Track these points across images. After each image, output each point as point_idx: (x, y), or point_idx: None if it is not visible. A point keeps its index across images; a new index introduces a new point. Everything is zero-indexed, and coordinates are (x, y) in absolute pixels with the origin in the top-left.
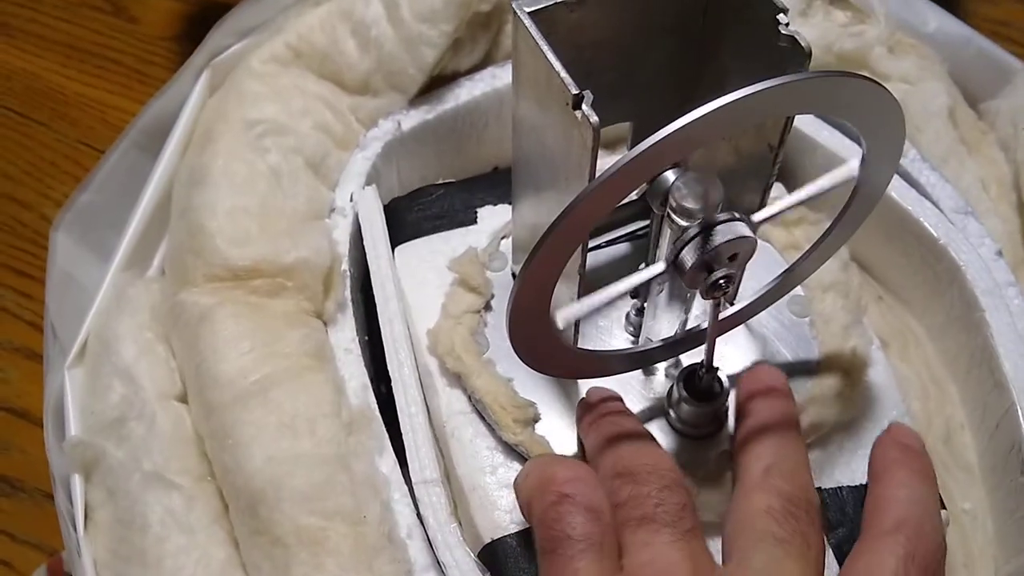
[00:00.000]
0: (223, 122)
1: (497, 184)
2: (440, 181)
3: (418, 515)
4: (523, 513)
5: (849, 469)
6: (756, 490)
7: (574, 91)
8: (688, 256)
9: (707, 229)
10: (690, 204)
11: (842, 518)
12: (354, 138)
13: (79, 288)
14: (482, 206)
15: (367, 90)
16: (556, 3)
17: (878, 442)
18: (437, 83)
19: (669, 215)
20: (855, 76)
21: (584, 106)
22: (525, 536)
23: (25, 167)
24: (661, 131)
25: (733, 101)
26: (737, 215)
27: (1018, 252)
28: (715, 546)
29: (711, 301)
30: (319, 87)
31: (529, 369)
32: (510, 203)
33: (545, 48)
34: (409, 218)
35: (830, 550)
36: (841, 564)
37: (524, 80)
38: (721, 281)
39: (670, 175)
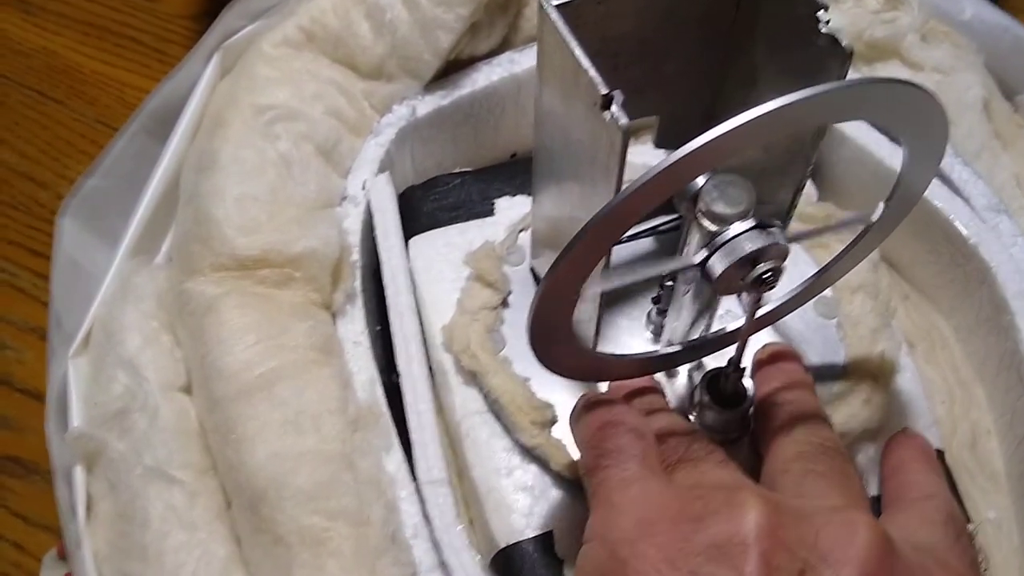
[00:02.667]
0: (233, 107)
1: (516, 174)
2: (457, 170)
3: (424, 515)
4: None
5: (876, 479)
6: (785, 444)
7: (603, 91)
8: (717, 264)
9: (737, 236)
10: (720, 209)
11: None
12: (367, 124)
13: (85, 275)
14: (500, 197)
15: (381, 75)
16: None
17: (893, 441)
18: (453, 68)
19: (697, 219)
20: (901, 82)
21: (614, 107)
22: (542, 541)
23: (42, 146)
24: (696, 140)
25: (773, 110)
26: (766, 223)
27: None
28: None
29: (750, 299)
30: (332, 71)
31: (546, 370)
32: (529, 194)
33: (574, 45)
34: (424, 208)
35: None
36: None
37: (549, 73)
38: (766, 276)
39: (700, 177)
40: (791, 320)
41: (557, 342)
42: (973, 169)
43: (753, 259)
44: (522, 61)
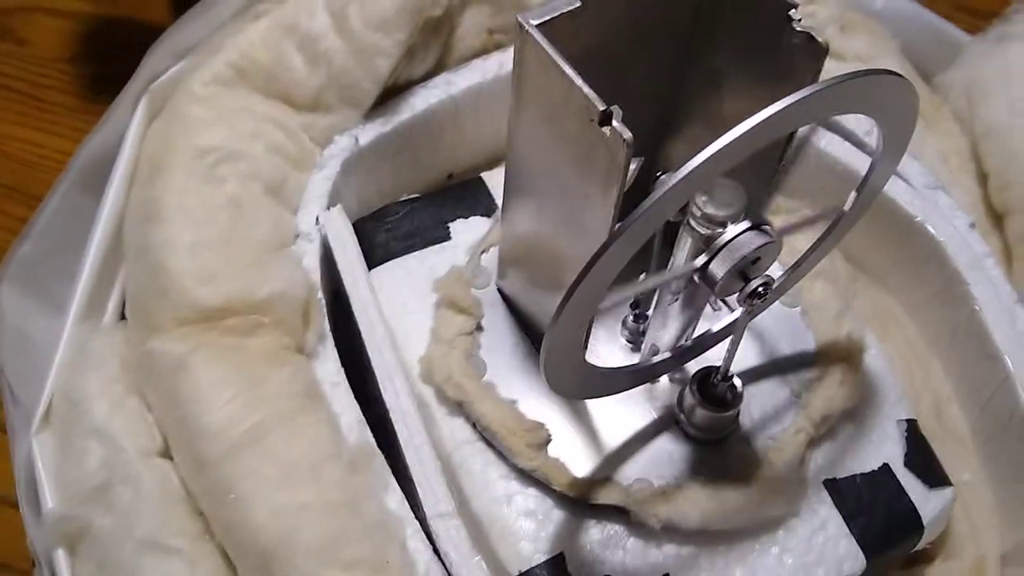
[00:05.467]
0: (170, 152)
1: (465, 196)
2: (404, 197)
3: (434, 550)
4: None
5: (859, 457)
6: None
7: (601, 107)
8: (718, 267)
9: (735, 237)
10: (714, 211)
11: (860, 507)
12: (310, 158)
13: (33, 345)
14: (453, 220)
15: (319, 107)
16: (561, 14)
17: None
18: (390, 93)
19: (690, 224)
20: (887, 73)
21: (615, 122)
22: (554, 564)
23: None
24: (697, 158)
25: (776, 112)
26: (760, 221)
27: (984, 222)
28: (736, 554)
29: (744, 307)
30: (267, 107)
31: (529, 388)
32: (483, 215)
33: (563, 64)
34: (378, 239)
35: (853, 539)
36: (865, 552)
37: (529, 92)
38: (760, 288)
39: None
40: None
41: (567, 367)
42: (907, 150)
43: (754, 259)
44: (458, 82)
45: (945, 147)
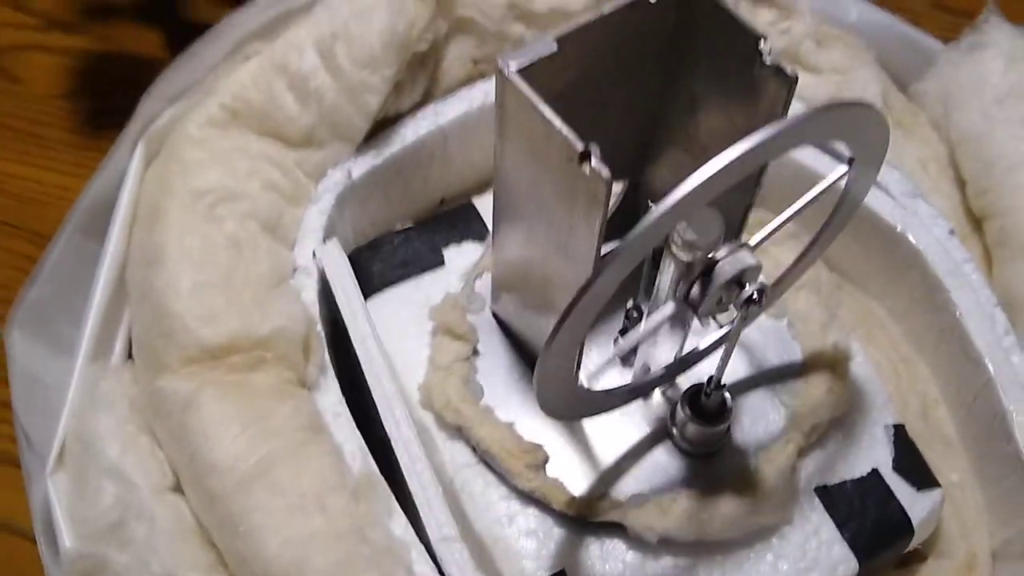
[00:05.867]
0: (169, 195)
1: (457, 222)
2: (398, 227)
3: (440, 573)
4: None
5: (848, 464)
6: None
7: (580, 147)
8: (699, 292)
9: (715, 263)
10: (693, 238)
11: (851, 512)
12: (304, 193)
13: (45, 388)
14: (446, 246)
15: (311, 143)
16: (541, 58)
17: None
18: (379, 126)
19: (672, 251)
20: (854, 104)
21: (593, 160)
22: None
23: None
24: (673, 195)
25: (747, 150)
26: (739, 243)
27: (964, 227)
28: (732, 563)
29: (738, 321)
30: (262, 145)
31: (526, 410)
32: (476, 240)
33: (542, 107)
34: (374, 269)
35: (845, 544)
36: (857, 556)
37: (512, 132)
38: (754, 295)
39: None
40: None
41: (564, 394)
42: (886, 161)
43: (737, 281)
44: (446, 112)
45: (924, 154)
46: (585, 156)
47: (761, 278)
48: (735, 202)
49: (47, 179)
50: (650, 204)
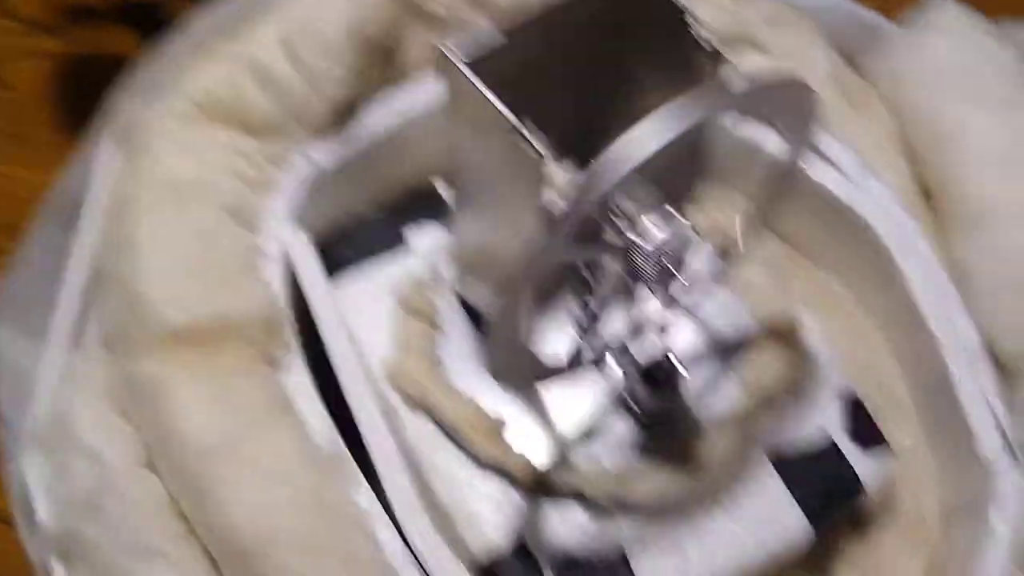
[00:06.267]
0: (138, 186)
1: (419, 203)
2: (361, 211)
3: (405, 543)
4: None
5: (801, 429)
6: None
7: (516, 122)
8: (639, 258)
9: (650, 231)
10: (631, 209)
11: (803, 475)
12: (270, 181)
13: (23, 374)
14: (409, 228)
15: (276, 133)
16: (483, 43)
17: None
18: (343, 113)
19: (611, 221)
20: (778, 80)
21: (527, 134)
22: (518, 548)
23: None
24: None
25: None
26: (676, 215)
27: (915, 198)
28: (688, 527)
29: (680, 289)
30: (228, 137)
31: (487, 385)
32: (438, 221)
33: (480, 85)
34: (338, 252)
35: (797, 506)
36: (809, 517)
37: (459, 112)
38: (695, 264)
39: None
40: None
41: (518, 362)
42: (836, 137)
43: (670, 247)
44: (405, 98)
45: (876, 131)
46: (524, 134)
47: (706, 249)
48: (680, 176)
49: (37, 179)
50: None
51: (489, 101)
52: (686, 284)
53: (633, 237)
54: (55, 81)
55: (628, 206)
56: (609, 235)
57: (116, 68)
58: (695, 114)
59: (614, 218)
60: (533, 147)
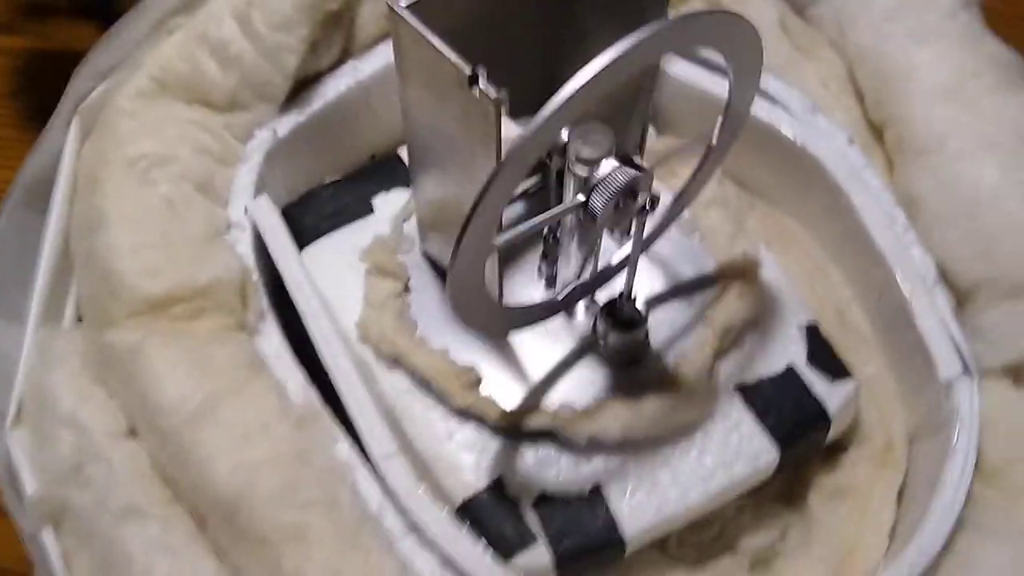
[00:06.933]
0: (105, 164)
1: (384, 171)
2: (327, 180)
3: (385, 491)
4: None
5: (765, 362)
6: None
7: (467, 71)
8: (597, 202)
9: (608, 174)
10: (588, 154)
11: (770, 405)
12: (234, 154)
13: (1, 355)
14: (374, 195)
15: (236, 106)
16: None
17: None
18: (302, 86)
19: (569, 167)
20: (711, 12)
21: (481, 82)
22: (494, 488)
23: None
24: (551, 103)
25: (613, 59)
26: (628, 156)
27: (866, 137)
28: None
29: (636, 228)
30: (190, 112)
31: (458, 339)
32: (403, 187)
33: (430, 36)
34: (305, 221)
35: (766, 435)
36: (780, 446)
37: (409, 68)
38: (645, 206)
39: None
40: (658, 244)
41: (477, 303)
42: (784, 81)
43: (628, 190)
44: (364, 68)
45: (824, 74)
46: (473, 79)
47: (653, 188)
48: (631, 119)
49: (1, 176)
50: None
51: (438, 51)
52: (645, 226)
53: (593, 179)
54: (16, 78)
55: (587, 151)
56: (570, 179)
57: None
58: (630, 42)
59: (571, 163)
60: (485, 91)
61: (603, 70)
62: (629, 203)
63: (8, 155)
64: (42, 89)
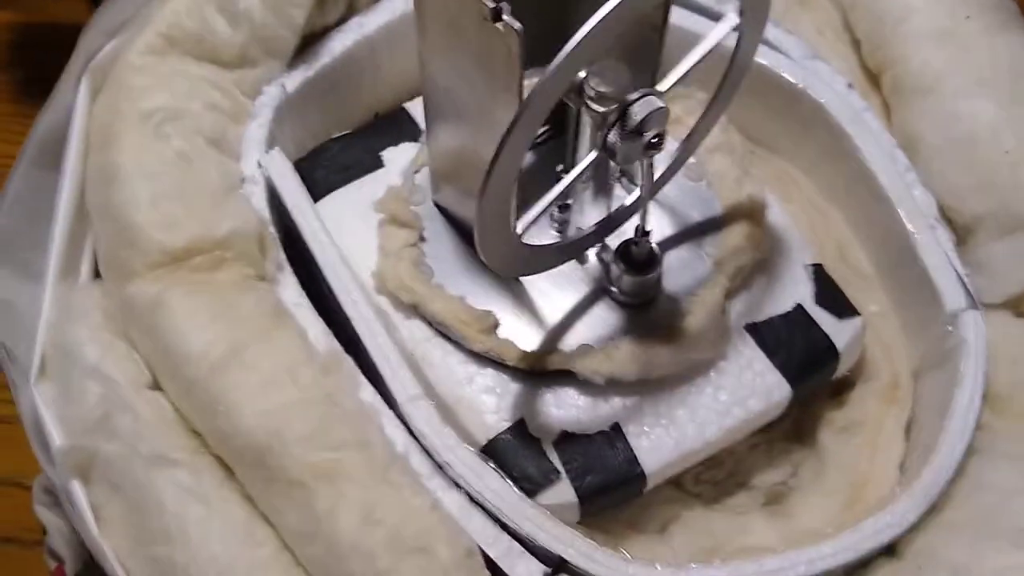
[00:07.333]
0: (118, 119)
1: (392, 127)
2: (336, 135)
3: (410, 432)
4: None
5: (774, 302)
6: None
7: (491, 4)
8: (615, 137)
9: (626, 109)
10: (606, 90)
11: (780, 343)
12: (244, 110)
13: (18, 311)
14: (384, 149)
15: (245, 62)
16: None
17: None
18: (309, 42)
19: (587, 105)
20: None
21: (505, 16)
22: (517, 428)
23: None
24: (573, 40)
25: None
26: (647, 90)
27: (863, 83)
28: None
29: (646, 164)
30: (200, 69)
31: (474, 286)
32: (411, 141)
33: None
34: (316, 175)
35: (777, 371)
36: (790, 381)
37: (429, 10)
38: (654, 140)
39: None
40: (667, 190)
41: (502, 243)
42: (783, 28)
43: (646, 125)
44: (369, 23)
45: (820, 21)
46: (496, 14)
47: (671, 143)
48: (643, 60)
49: None
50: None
51: None
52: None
53: (608, 113)
54: (9, 51)
55: (604, 87)
56: (587, 118)
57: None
58: None
59: (590, 100)
60: (509, 23)
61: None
62: (645, 138)
63: (3, 128)
64: (32, 62)
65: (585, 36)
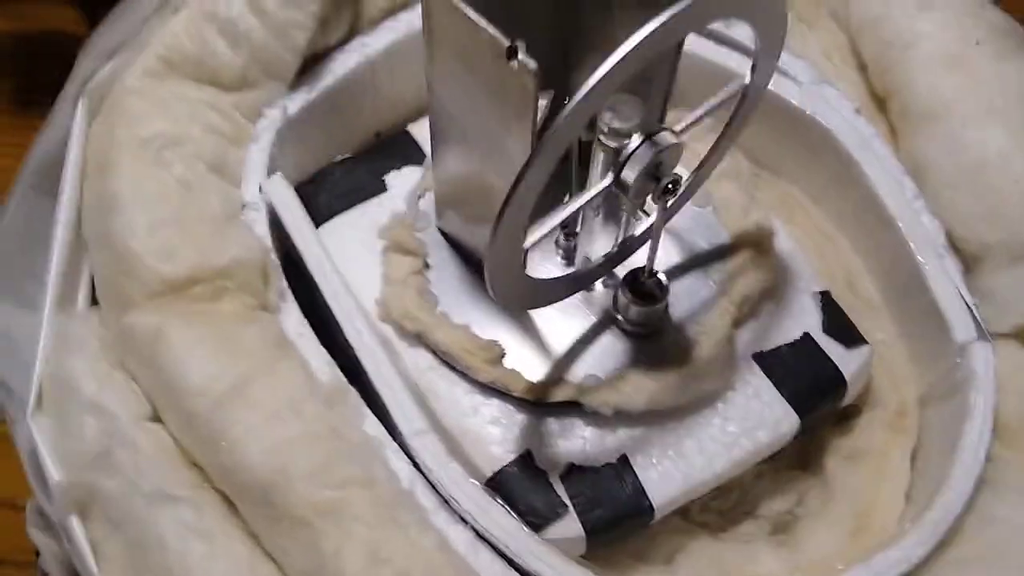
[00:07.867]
0: (116, 145)
1: (395, 150)
2: (338, 158)
3: (415, 466)
4: None
5: (781, 330)
6: None
7: (506, 43)
8: (629, 173)
9: (640, 145)
10: (619, 125)
11: (788, 373)
12: (245, 134)
13: (16, 342)
14: (387, 173)
15: (246, 84)
16: None
17: None
18: (310, 63)
19: (599, 139)
20: None
21: (520, 54)
22: (523, 460)
23: None
24: (594, 76)
25: (656, 28)
26: (660, 127)
27: (870, 107)
28: (684, 429)
29: (660, 203)
30: (199, 92)
31: (479, 315)
32: (415, 164)
33: (467, 9)
34: (319, 200)
35: (785, 402)
36: (798, 411)
37: (440, 42)
38: (670, 185)
39: None
40: (674, 217)
41: (512, 280)
42: (791, 51)
43: (659, 162)
44: (372, 44)
45: (827, 45)
46: (512, 52)
47: (681, 171)
48: (654, 92)
49: None
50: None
51: (474, 23)
52: (673, 193)
53: (625, 152)
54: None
55: (617, 123)
56: (598, 152)
57: (55, 43)
58: (675, 9)
59: (602, 135)
60: (524, 63)
61: (646, 39)
62: (660, 174)
63: None
64: (23, 71)
65: (603, 77)
